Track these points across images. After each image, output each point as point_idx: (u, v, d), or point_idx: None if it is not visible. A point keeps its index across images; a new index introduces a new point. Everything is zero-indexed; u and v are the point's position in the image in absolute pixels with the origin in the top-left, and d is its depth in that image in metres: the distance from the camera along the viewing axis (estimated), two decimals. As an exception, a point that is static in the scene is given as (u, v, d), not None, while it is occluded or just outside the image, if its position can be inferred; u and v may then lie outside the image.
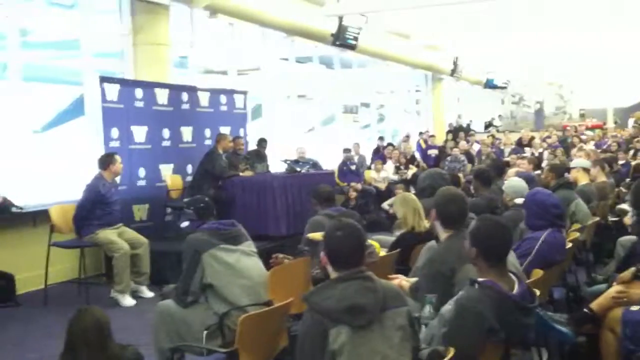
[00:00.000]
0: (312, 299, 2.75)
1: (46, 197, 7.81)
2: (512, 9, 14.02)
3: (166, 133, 9.16)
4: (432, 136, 17.94)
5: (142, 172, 8.76)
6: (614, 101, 24.12)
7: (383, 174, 13.75)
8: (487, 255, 3.07)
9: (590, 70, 21.80)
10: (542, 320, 3.27)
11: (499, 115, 27.07)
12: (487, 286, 2.95)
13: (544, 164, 12.47)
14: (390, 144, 15.72)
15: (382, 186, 13.26)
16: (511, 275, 3.11)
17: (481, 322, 2.84)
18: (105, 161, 7.08)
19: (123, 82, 8.69)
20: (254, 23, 11.42)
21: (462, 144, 16.10)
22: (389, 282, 3.08)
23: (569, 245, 4.94)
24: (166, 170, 9.21)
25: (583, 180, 7.55)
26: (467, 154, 15.35)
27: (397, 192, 10.99)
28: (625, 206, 7.22)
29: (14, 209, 7.25)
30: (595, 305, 4.18)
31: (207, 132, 9.94)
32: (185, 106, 9.53)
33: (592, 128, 21.27)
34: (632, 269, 4.32)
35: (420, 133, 18.43)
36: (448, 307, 3.05)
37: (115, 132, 8.25)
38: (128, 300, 6.80)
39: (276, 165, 10.66)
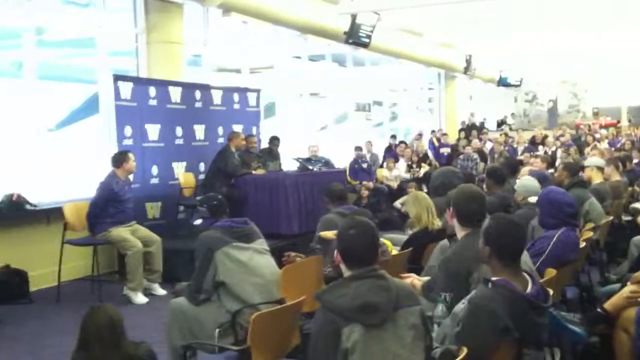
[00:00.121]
0: (325, 297, 2.74)
1: (60, 194, 7.84)
2: (526, 7, 13.96)
3: (179, 131, 9.18)
4: (445, 134, 17.85)
5: (155, 170, 8.79)
6: (628, 99, 23.92)
7: (395, 173, 13.72)
8: (501, 254, 3.04)
9: (604, 68, 21.66)
10: (555, 320, 3.24)
11: (512, 114, 26.90)
12: (501, 285, 2.93)
13: (557, 163, 12.41)
14: (402, 142, 15.68)
15: (394, 184, 13.23)
16: (525, 274, 3.08)
17: (495, 321, 2.82)
18: (119, 159, 7.10)
19: (137, 80, 8.74)
20: (267, 21, 11.42)
21: (475, 142, 15.95)
22: (402, 281, 3.07)
23: (583, 244, 4.92)
24: (179, 168, 9.23)
25: (597, 179, 7.52)
26: (480, 152, 15.25)
27: (409, 190, 10.98)
28: (639, 205, 7.19)
29: (28, 207, 7.30)
30: (608, 305, 4.15)
31: (220, 130, 9.95)
32: (199, 104, 9.54)
33: (606, 126, 21.08)
34: (646, 268, 4.30)
35: (433, 131, 18.39)
36: (461, 306, 3.03)
37: (128, 130, 8.28)
38: (140, 298, 6.82)
39: (289, 163, 10.66)
